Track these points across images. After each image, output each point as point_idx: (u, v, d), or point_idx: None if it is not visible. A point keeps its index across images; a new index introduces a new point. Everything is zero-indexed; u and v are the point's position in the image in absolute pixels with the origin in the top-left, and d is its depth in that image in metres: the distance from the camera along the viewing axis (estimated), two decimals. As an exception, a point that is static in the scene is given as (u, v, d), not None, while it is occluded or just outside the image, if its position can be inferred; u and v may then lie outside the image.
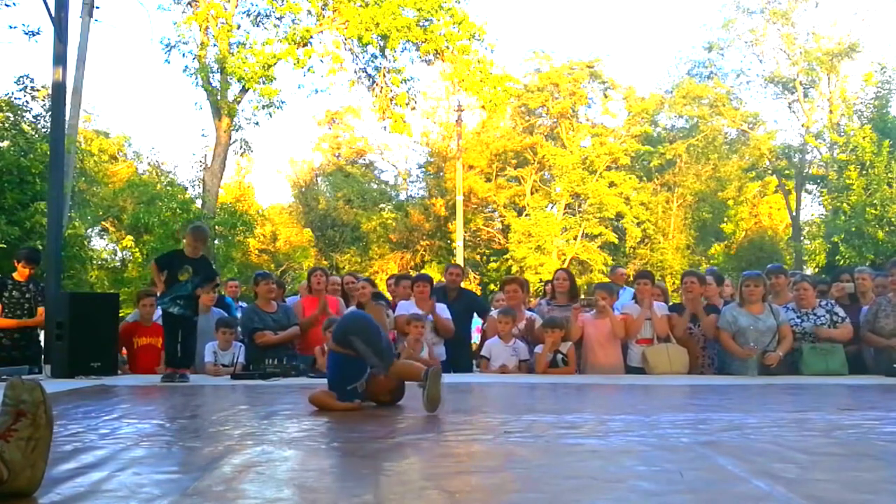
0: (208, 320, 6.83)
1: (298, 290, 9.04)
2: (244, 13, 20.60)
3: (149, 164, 29.53)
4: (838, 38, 29.46)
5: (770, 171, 32.01)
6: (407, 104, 21.03)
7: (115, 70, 49.13)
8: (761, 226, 33.03)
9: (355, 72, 21.22)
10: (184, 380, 5.79)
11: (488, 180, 31.09)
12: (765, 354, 6.02)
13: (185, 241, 6.10)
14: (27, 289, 6.84)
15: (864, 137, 22.16)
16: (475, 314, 7.84)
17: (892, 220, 21.07)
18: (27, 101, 14.47)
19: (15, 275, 6.88)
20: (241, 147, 22.34)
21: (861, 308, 6.61)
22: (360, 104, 28.32)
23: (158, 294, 6.11)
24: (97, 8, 14.73)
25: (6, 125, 14.04)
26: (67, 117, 11.32)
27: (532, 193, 30.50)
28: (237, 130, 20.77)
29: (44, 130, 13.51)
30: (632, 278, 8.03)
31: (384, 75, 20.84)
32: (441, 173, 32.24)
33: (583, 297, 6.68)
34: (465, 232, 28.46)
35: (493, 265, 29.99)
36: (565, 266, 23.77)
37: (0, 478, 2.00)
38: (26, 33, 13.83)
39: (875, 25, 58.87)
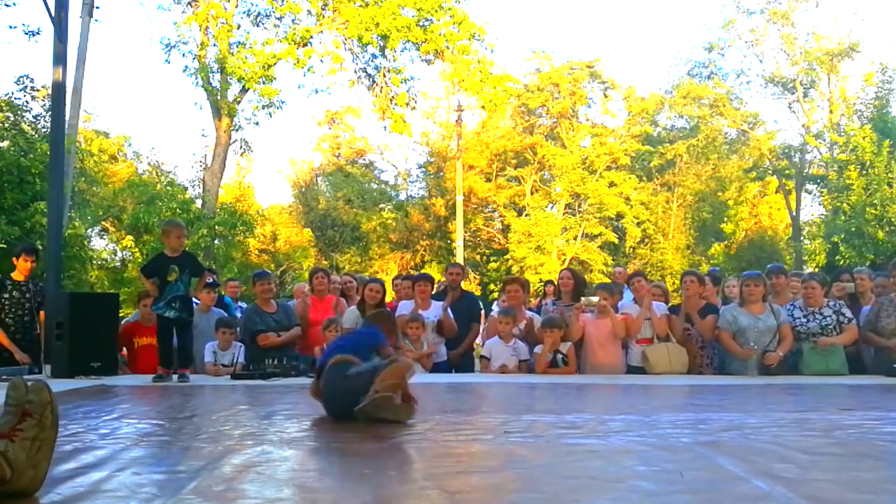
0: (208, 320, 6.83)
1: (294, 294, 8.99)
2: (244, 13, 20.65)
3: (149, 164, 29.56)
4: (838, 38, 29.51)
5: (770, 172, 32.02)
6: (407, 104, 21.04)
7: (115, 70, 49.14)
8: (761, 226, 33.03)
9: (355, 72, 21.26)
10: (184, 380, 5.79)
11: (488, 180, 31.09)
12: (765, 355, 6.02)
13: (170, 241, 6.09)
14: (27, 288, 6.84)
15: (864, 137, 22.16)
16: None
17: (892, 220, 21.07)
18: (27, 101, 14.47)
19: (14, 274, 6.87)
20: (241, 147, 22.39)
21: (861, 308, 6.61)
22: (360, 104, 28.29)
23: (153, 300, 6.07)
24: (97, 8, 14.76)
25: (6, 125, 14.03)
26: (67, 117, 11.33)
27: (532, 193, 30.51)
28: (237, 130, 20.81)
29: (44, 130, 13.50)
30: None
31: (384, 75, 20.85)
32: (441, 173, 32.24)
33: (583, 298, 6.68)
34: (465, 232, 28.47)
35: (493, 265, 30.00)
36: (565, 266, 23.77)
37: (3, 477, 2.00)
38: (26, 33, 13.85)
39: (875, 25, 59.03)
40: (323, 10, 20.27)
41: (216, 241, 19.12)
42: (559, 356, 6.28)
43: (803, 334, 6.17)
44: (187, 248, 6.59)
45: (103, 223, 22.16)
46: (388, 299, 7.37)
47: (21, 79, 14.30)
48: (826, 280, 6.91)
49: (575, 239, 29.05)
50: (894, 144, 21.56)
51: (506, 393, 5.23)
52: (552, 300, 7.55)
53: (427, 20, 19.64)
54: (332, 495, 2.19)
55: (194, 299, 6.33)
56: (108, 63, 50.62)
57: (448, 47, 20.00)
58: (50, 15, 8.56)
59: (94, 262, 18.84)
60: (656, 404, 4.53)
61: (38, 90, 14.50)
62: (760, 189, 33.28)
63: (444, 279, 8.07)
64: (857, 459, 2.71)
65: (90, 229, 20.40)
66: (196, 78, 19.31)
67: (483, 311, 9.50)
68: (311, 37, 20.13)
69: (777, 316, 6.10)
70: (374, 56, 20.99)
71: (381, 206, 32.72)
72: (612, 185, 29.19)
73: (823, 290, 6.47)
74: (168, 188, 22.01)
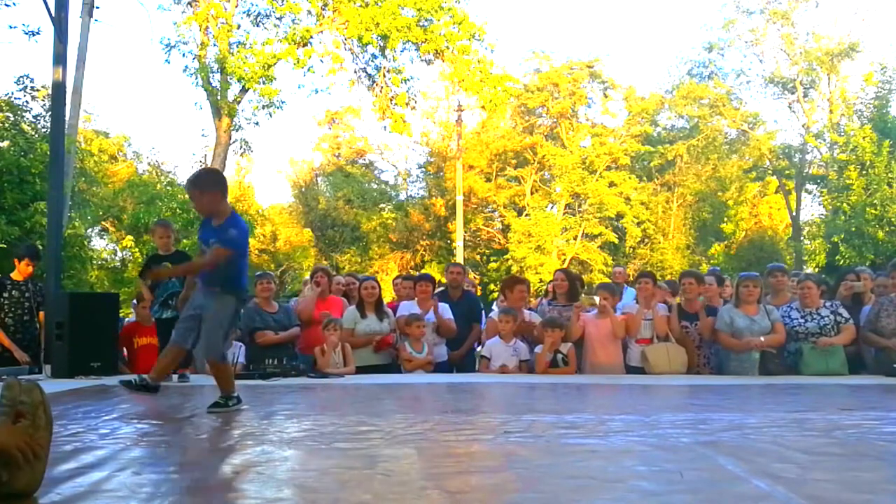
0: (208, 320, 6.82)
1: (300, 291, 9.04)
2: (244, 13, 20.60)
3: (149, 164, 29.54)
4: (838, 38, 29.46)
5: (770, 172, 32.01)
6: (407, 104, 21.02)
7: (115, 70, 49.11)
8: (761, 226, 33.01)
9: (355, 72, 21.22)
10: (184, 380, 5.81)
11: (488, 180, 31.08)
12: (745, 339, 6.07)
13: (154, 240, 6.23)
14: (26, 288, 6.84)
15: (864, 137, 22.14)
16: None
17: (892, 220, 21.05)
18: (27, 101, 14.45)
19: (13, 274, 6.86)
20: (241, 147, 22.33)
21: (863, 308, 6.61)
22: (360, 104, 28.19)
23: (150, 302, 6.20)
24: (97, 8, 14.68)
25: (6, 125, 14.02)
26: (67, 117, 11.30)
27: (532, 193, 30.50)
28: (237, 130, 20.76)
29: (44, 130, 13.48)
30: (632, 278, 8.02)
31: (384, 75, 20.83)
32: (441, 173, 32.23)
33: (583, 297, 6.68)
34: (465, 232, 28.45)
35: (493, 265, 29.98)
36: (565, 266, 23.76)
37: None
38: (26, 33, 13.80)
39: (875, 25, 58.99)
40: (323, 10, 20.25)
41: (216, 241, 19.06)
42: (559, 356, 6.28)
43: (801, 335, 6.18)
44: (186, 249, 6.69)
45: (103, 223, 22.14)
46: (386, 299, 7.38)
47: (21, 79, 14.28)
48: (823, 280, 6.91)
49: (575, 239, 29.04)
50: (894, 144, 21.55)
51: (506, 393, 5.23)
52: (548, 301, 7.53)
53: (427, 20, 19.61)
54: (332, 495, 2.19)
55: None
56: (108, 63, 50.69)
57: (448, 47, 19.97)
58: (50, 15, 8.55)
59: (94, 262, 18.83)
60: (656, 404, 4.53)
61: (38, 90, 14.48)
62: (760, 189, 33.26)
63: (444, 279, 8.06)
64: (857, 459, 2.71)
65: (90, 229, 20.39)
66: (196, 78, 19.29)
67: (483, 311, 9.50)
68: (311, 37, 20.10)
69: (770, 315, 6.15)
70: (374, 56, 20.97)
71: (381, 206, 32.70)
72: (612, 185, 29.17)
73: (821, 289, 6.47)
74: (168, 188, 21.97)
